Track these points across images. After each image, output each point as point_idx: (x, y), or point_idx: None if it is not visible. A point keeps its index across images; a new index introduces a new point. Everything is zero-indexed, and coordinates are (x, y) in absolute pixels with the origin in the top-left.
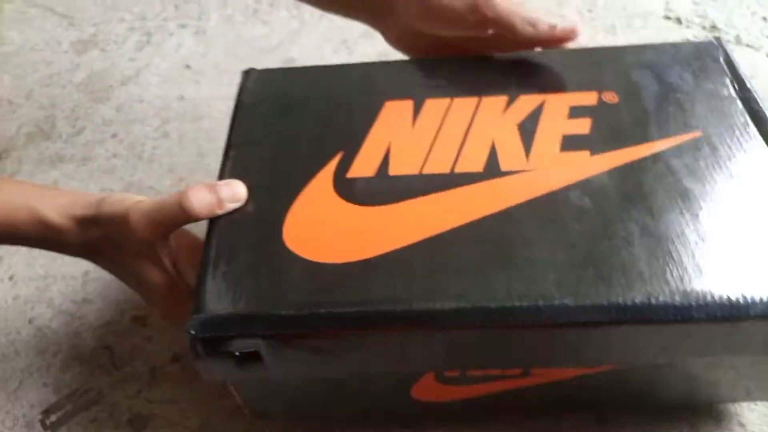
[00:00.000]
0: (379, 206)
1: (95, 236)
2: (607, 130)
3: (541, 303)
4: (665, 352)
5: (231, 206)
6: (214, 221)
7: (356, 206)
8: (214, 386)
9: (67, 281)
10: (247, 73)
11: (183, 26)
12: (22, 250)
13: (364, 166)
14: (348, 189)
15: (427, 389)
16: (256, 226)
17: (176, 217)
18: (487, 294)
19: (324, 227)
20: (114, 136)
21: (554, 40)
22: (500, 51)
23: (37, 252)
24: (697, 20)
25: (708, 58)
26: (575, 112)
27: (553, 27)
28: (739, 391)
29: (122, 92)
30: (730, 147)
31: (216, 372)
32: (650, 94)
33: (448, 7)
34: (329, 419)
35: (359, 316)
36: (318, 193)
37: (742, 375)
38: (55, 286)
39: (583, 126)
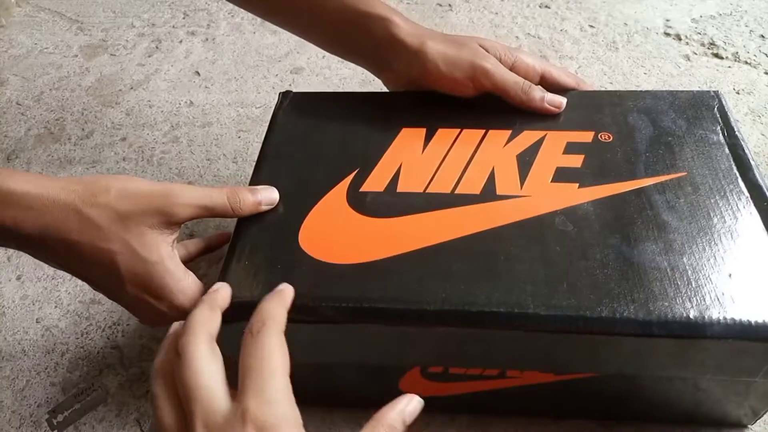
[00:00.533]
0: (384, 218)
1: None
2: (598, 165)
3: (516, 311)
4: (628, 363)
5: (266, 208)
6: (242, 220)
7: (364, 216)
8: None
9: (75, 282)
10: (285, 95)
11: (192, 34)
12: None
13: (375, 182)
14: (359, 201)
15: (413, 383)
16: (277, 228)
17: (222, 208)
18: (470, 300)
19: (334, 232)
20: (123, 139)
21: (542, 110)
22: None
23: None
24: (696, 37)
25: (703, 107)
26: (571, 148)
27: (542, 99)
28: (745, 410)
29: (132, 97)
30: (711, 188)
31: (232, 351)
32: (643, 136)
33: (448, 76)
34: (324, 403)
35: (355, 311)
36: (333, 203)
37: (747, 391)
38: (63, 287)
39: (576, 161)
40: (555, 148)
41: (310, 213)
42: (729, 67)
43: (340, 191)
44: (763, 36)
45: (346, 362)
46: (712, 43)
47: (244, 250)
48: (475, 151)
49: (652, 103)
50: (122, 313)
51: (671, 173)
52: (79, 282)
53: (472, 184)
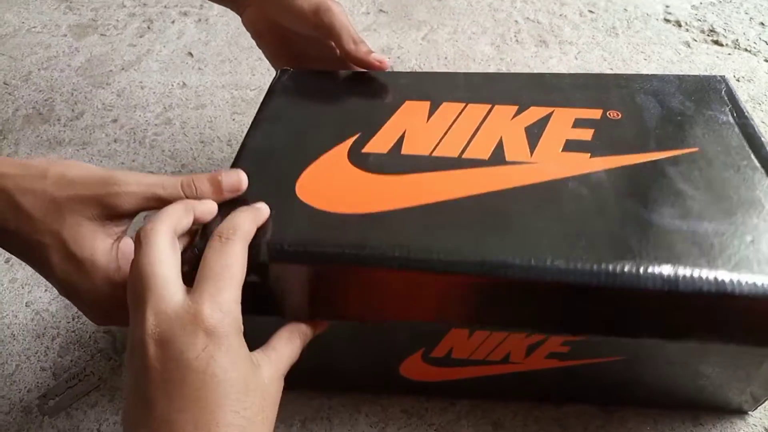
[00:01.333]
0: (388, 175)
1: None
2: (608, 139)
3: (533, 261)
4: (650, 326)
5: (229, 196)
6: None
7: (367, 173)
8: None
9: None
10: (283, 71)
11: (185, 14)
12: None
13: (378, 145)
14: (361, 160)
15: (414, 367)
16: (272, 180)
17: (175, 196)
18: (482, 249)
19: (334, 186)
20: (114, 121)
21: (367, 62)
22: (337, 65)
23: None
24: (696, 24)
25: (711, 90)
26: (580, 123)
27: (369, 52)
28: (746, 397)
29: (123, 78)
30: (724, 162)
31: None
32: (652, 114)
33: (297, 4)
34: (324, 388)
35: (356, 255)
36: (333, 160)
37: (749, 377)
38: None
39: (586, 134)
40: (563, 123)
41: (309, 167)
42: (729, 54)
43: (340, 150)
44: (762, 23)
45: (347, 333)
46: (712, 30)
47: (236, 199)
48: (482, 123)
49: (659, 86)
50: None
51: (683, 149)
52: None
53: (480, 150)
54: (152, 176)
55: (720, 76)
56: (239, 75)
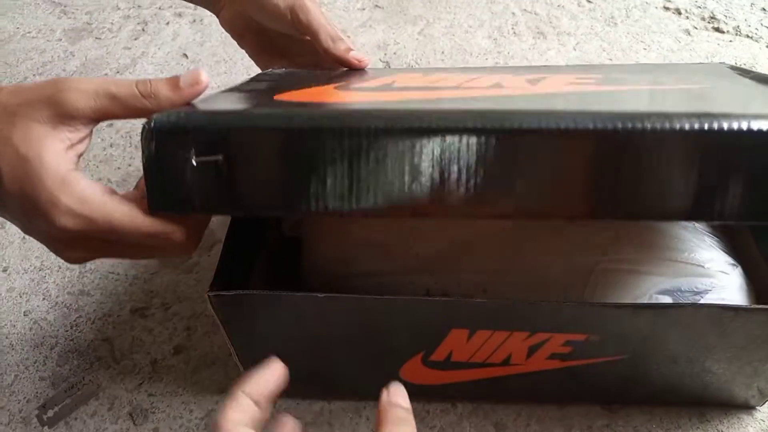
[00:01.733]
0: (377, 91)
1: None
2: (613, 80)
3: (552, 114)
4: (679, 192)
5: (189, 92)
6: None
7: (354, 91)
8: (216, 378)
9: (64, 273)
10: (273, 69)
11: (179, 15)
12: (16, 242)
13: (367, 83)
14: (348, 88)
15: (414, 372)
16: (252, 95)
17: (130, 96)
18: (483, 114)
19: (316, 93)
20: (110, 125)
21: (346, 60)
22: (315, 64)
23: (31, 243)
24: (696, 11)
25: (714, 69)
26: (581, 78)
27: (348, 50)
28: (753, 392)
29: None
30: (737, 92)
31: (169, 183)
32: (656, 76)
33: (270, 1)
34: (323, 394)
35: (339, 119)
36: (316, 89)
37: (756, 373)
38: (51, 278)
39: (589, 80)
40: (563, 78)
41: (292, 90)
42: (730, 41)
43: (326, 86)
44: (764, 9)
45: (346, 338)
46: (713, 17)
47: (207, 101)
48: (479, 76)
49: (661, 68)
50: (113, 305)
51: (693, 85)
52: (67, 272)
53: (479, 84)
54: (105, 78)
55: (722, 62)
56: (234, 75)
